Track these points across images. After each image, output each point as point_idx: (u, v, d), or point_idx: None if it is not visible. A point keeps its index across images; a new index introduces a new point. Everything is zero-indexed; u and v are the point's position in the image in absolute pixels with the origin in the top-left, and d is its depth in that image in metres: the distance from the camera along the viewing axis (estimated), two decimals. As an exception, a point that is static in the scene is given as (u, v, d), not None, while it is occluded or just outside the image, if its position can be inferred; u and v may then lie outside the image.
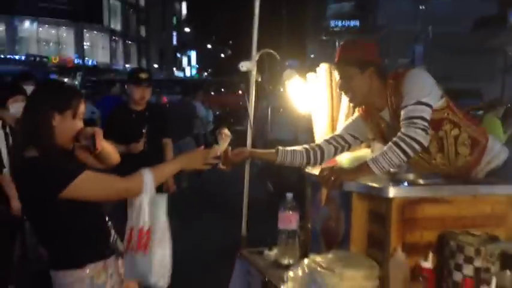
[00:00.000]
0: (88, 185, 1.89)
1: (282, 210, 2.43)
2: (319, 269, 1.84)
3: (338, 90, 2.41)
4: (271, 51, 2.66)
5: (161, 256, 1.99)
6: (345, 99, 2.70)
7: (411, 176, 2.21)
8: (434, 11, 20.77)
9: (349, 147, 2.45)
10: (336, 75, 2.73)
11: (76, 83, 20.73)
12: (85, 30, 32.05)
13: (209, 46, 67.88)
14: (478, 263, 1.73)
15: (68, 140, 2.00)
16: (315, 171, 2.39)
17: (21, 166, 1.94)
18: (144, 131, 3.89)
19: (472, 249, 1.73)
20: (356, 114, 2.46)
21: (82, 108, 2.02)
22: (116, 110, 4.18)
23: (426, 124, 2.00)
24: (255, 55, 2.54)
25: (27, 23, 31.21)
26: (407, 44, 19.50)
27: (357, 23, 32.37)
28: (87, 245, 1.99)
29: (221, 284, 2.65)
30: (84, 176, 1.88)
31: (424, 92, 2.06)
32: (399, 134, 2.03)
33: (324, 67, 2.78)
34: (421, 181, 2.08)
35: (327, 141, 2.43)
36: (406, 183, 1.99)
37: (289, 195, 2.45)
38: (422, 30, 19.59)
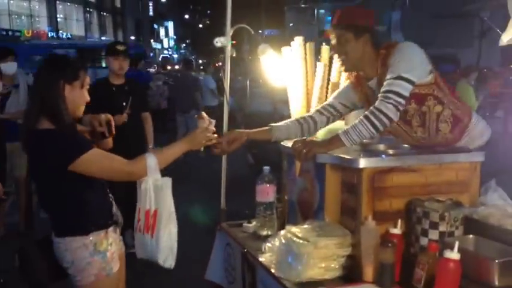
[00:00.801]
0: (94, 162, 2.02)
1: (259, 183, 2.52)
2: (295, 239, 1.93)
3: (332, 52, 2.42)
4: (245, 25, 2.69)
5: (167, 238, 2.14)
6: (319, 72, 2.76)
7: (381, 147, 2.30)
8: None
9: (340, 116, 2.51)
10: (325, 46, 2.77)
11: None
12: (58, 1, 31.23)
13: (186, 16, 66.76)
14: (442, 227, 1.84)
15: (77, 110, 2.14)
16: (289, 143, 2.47)
17: (35, 137, 2.06)
18: (124, 104, 4.00)
19: (437, 215, 1.84)
20: (347, 82, 2.50)
21: (87, 79, 2.17)
22: (97, 85, 4.24)
23: (399, 100, 2.04)
24: (229, 30, 2.57)
25: (-3, -4, 30.31)
26: (385, 11, 19.47)
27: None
28: (91, 215, 2.15)
29: (203, 257, 2.75)
30: (92, 152, 2.02)
31: (408, 66, 2.08)
32: (371, 107, 2.08)
33: (298, 41, 2.82)
34: (390, 151, 2.16)
35: (318, 111, 2.48)
36: (375, 154, 2.07)
37: (266, 168, 2.53)
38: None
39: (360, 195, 1.95)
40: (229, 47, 2.55)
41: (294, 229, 1.99)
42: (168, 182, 2.15)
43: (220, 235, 2.69)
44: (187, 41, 67.44)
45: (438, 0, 19.45)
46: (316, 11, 37.01)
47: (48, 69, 2.11)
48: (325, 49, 2.87)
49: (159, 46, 53.63)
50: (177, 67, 34.96)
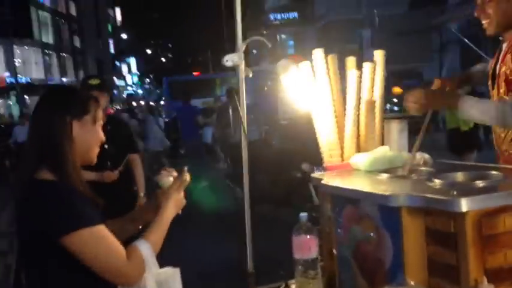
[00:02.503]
0: (88, 244, 1.46)
1: (296, 235, 1.95)
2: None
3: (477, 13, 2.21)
4: (261, 38, 2.17)
5: None
6: (351, 84, 2.25)
7: (451, 176, 1.77)
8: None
9: None
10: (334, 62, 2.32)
11: (11, 103, 19.38)
12: (15, 46, 30.28)
13: (148, 51, 66.25)
14: None
15: (90, 152, 1.63)
16: (327, 179, 1.94)
17: (28, 190, 1.52)
18: (121, 166, 3.40)
19: None
20: None
21: (100, 112, 1.66)
22: None
23: None
24: (242, 45, 2.03)
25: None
26: (355, 30, 19.48)
27: (296, 14, 32.20)
28: None
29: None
30: (96, 229, 1.47)
31: None
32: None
33: (319, 54, 2.31)
34: (479, 183, 1.63)
35: None
36: (475, 189, 1.53)
37: (303, 215, 1.97)
38: (367, 15, 19.62)
39: (464, 248, 1.40)
40: (242, 66, 2.00)
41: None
42: (175, 274, 1.61)
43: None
44: (151, 76, 66.88)
45: (401, 16, 19.66)
46: (278, 37, 37.11)
47: (50, 102, 1.60)
48: (351, 60, 2.38)
49: (122, 83, 52.89)
50: (142, 102, 34.41)
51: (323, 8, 24.03)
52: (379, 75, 2.36)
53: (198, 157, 9.44)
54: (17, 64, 29.84)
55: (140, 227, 1.87)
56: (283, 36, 36.78)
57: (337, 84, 2.33)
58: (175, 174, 1.84)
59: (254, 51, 38.84)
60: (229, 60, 2.02)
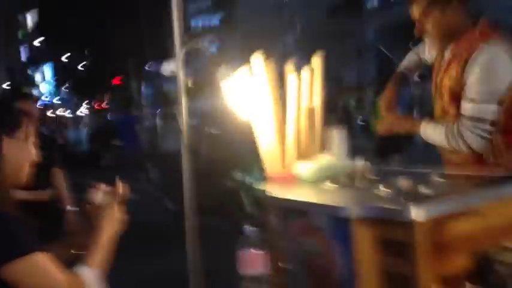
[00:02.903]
0: (26, 275, 1.32)
1: (242, 249, 1.87)
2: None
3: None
4: (200, 47, 2.07)
5: None
6: (292, 89, 2.20)
7: (402, 182, 1.77)
8: (293, 3, 21.39)
9: None
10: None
11: None
12: None
13: (64, 59, 63.39)
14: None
15: (20, 172, 1.45)
16: (276, 192, 1.88)
17: None
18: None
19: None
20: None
21: (33, 128, 1.49)
22: None
23: (490, 128, 1.98)
24: (180, 52, 1.91)
25: None
26: (277, 36, 19.77)
27: (217, 21, 32.17)
28: None
29: None
30: (34, 258, 1.32)
31: (489, 89, 1.95)
32: (458, 127, 2.05)
33: (258, 60, 2.25)
34: (427, 190, 1.64)
35: None
36: (423, 197, 1.53)
37: (249, 227, 1.89)
38: (290, 21, 20.01)
39: (415, 257, 1.39)
40: (181, 74, 1.89)
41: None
42: None
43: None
44: (67, 84, 63.99)
45: (322, 23, 20.26)
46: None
47: None
48: (290, 66, 2.34)
49: (36, 92, 50.20)
50: (59, 112, 32.69)
51: (247, 11, 24.24)
52: (318, 81, 2.34)
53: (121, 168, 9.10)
54: None
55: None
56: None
57: (276, 91, 2.28)
58: (104, 188, 1.70)
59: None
60: (166, 68, 1.89)
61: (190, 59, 2.13)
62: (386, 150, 6.79)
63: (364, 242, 1.52)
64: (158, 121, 6.84)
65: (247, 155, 6.11)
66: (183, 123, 1.88)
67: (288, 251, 1.85)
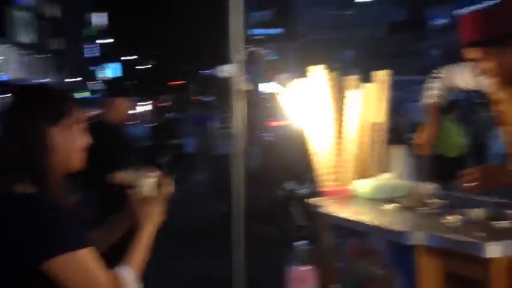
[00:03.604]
0: (74, 269, 1.26)
1: (292, 265, 1.76)
2: None
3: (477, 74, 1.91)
4: (257, 48, 1.99)
5: None
6: (352, 110, 2.08)
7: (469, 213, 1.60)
8: (355, 17, 21.13)
9: None
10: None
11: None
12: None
13: (131, 57, 65.66)
14: None
15: (72, 159, 1.39)
16: (332, 209, 1.75)
17: (8, 206, 1.29)
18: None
19: None
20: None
21: (80, 114, 1.42)
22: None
23: None
24: (238, 55, 1.83)
25: None
26: (336, 50, 19.53)
27: (279, 30, 32.25)
28: None
29: None
30: (80, 254, 1.26)
31: None
32: None
33: (320, 71, 2.14)
34: (504, 223, 1.46)
35: None
36: (504, 233, 1.36)
37: (301, 243, 1.77)
38: (350, 36, 19.75)
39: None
40: (241, 78, 1.81)
41: None
42: None
43: None
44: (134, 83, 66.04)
45: (382, 41, 19.83)
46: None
47: (19, 106, 1.36)
48: (351, 79, 2.22)
49: (99, 87, 52.07)
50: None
51: (305, 27, 24.17)
52: (383, 97, 2.20)
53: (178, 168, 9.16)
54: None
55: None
56: (267, 51, 36.78)
57: (337, 103, 2.16)
58: (156, 176, 1.54)
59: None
60: (223, 71, 1.82)
61: (248, 65, 2.04)
62: (446, 173, 6.44)
63: (428, 273, 1.37)
64: (216, 124, 6.86)
65: (299, 165, 6.00)
66: (239, 125, 1.80)
67: (340, 271, 1.72)
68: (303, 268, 1.71)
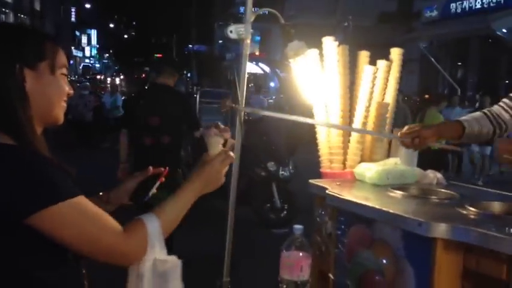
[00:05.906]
0: (67, 221, 1.08)
1: (287, 250, 1.63)
2: None
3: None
4: (273, 11, 1.83)
5: None
6: (366, 80, 1.94)
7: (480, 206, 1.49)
8: (344, 5, 21.02)
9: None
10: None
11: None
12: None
13: (111, 25, 64.15)
14: None
15: (52, 110, 1.21)
16: (337, 191, 1.62)
17: None
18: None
19: None
20: None
21: (62, 58, 1.22)
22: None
23: None
24: (250, 17, 1.67)
25: None
26: (323, 35, 19.37)
27: (266, 11, 31.81)
28: None
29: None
30: (77, 201, 1.10)
31: None
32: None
33: (330, 43, 1.99)
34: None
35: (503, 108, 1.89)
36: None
37: (298, 227, 1.64)
38: (338, 23, 19.58)
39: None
40: (248, 41, 1.65)
41: None
42: (175, 266, 1.20)
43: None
44: (111, 51, 64.83)
45: (371, 30, 19.77)
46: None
47: None
48: (364, 54, 2.09)
49: (80, 54, 50.94)
50: (99, 77, 32.99)
51: (293, 9, 23.91)
52: (394, 75, 2.07)
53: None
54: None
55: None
56: (250, 31, 36.23)
57: (346, 79, 2.02)
58: (228, 136, 1.37)
59: (220, 41, 38.20)
60: (234, 31, 1.65)
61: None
62: (429, 165, 6.43)
63: (447, 269, 1.25)
64: (198, 98, 6.64)
65: (282, 147, 5.84)
66: (241, 98, 1.63)
67: (341, 260, 1.59)
68: (299, 253, 1.59)
